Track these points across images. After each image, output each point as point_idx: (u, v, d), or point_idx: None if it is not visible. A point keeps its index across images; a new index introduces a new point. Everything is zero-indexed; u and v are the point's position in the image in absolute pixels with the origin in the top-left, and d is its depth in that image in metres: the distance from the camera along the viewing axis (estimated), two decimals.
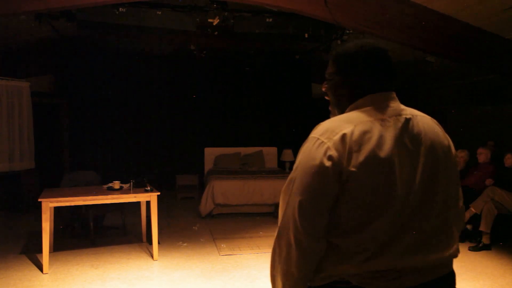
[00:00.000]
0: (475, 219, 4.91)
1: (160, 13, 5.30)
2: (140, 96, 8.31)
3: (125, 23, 5.41)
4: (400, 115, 1.16)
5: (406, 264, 1.08)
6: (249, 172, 7.40)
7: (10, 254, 4.53)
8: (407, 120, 1.15)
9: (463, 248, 4.87)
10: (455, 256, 1.18)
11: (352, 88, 1.22)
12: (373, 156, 1.06)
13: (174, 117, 8.59)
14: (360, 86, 1.21)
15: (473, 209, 4.88)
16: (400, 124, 1.13)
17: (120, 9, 5.06)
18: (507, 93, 6.43)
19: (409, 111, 1.19)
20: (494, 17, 4.51)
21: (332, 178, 1.06)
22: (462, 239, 5.13)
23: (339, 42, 6.01)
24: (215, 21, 5.43)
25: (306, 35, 5.96)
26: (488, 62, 5.30)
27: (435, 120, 1.25)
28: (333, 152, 1.06)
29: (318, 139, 1.11)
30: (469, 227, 5.07)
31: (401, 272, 1.08)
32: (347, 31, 5.74)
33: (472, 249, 4.79)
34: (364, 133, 1.08)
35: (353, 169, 1.05)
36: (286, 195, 1.14)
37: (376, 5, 4.54)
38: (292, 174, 1.14)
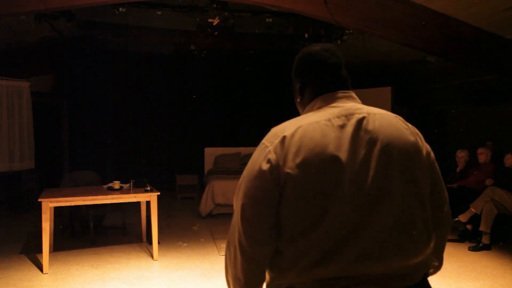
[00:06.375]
0: (475, 219, 4.90)
1: (160, 13, 5.30)
2: (140, 96, 8.32)
3: (125, 23, 5.41)
4: (352, 114, 1.11)
5: (360, 272, 0.99)
6: None
7: (10, 254, 4.53)
8: (360, 119, 1.10)
9: (463, 248, 4.87)
10: (427, 265, 1.08)
11: (307, 92, 1.26)
12: (313, 157, 1.02)
13: (174, 117, 8.60)
14: (312, 88, 1.24)
15: (473, 209, 4.88)
16: (350, 123, 1.09)
17: (120, 9, 5.06)
18: (507, 93, 6.43)
19: (365, 110, 1.13)
20: (494, 17, 4.51)
21: (270, 181, 1.04)
22: (462, 239, 5.14)
23: (339, 42, 6.02)
24: (215, 21, 5.44)
25: (306, 35, 5.97)
26: (488, 62, 5.30)
27: (400, 117, 1.18)
28: (271, 155, 1.06)
29: (263, 143, 1.12)
30: (469, 227, 5.07)
31: (354, 281, 0.99)
32: (347, 31, 5.73)
33: (472, 249, 4.79)
34: (306, 134, 1.06)
35: (289, 170, 1.02)
36: (235, 200, 1.14)
37: (376, 5, 4.54)
38: (240, 180, 1.14)
